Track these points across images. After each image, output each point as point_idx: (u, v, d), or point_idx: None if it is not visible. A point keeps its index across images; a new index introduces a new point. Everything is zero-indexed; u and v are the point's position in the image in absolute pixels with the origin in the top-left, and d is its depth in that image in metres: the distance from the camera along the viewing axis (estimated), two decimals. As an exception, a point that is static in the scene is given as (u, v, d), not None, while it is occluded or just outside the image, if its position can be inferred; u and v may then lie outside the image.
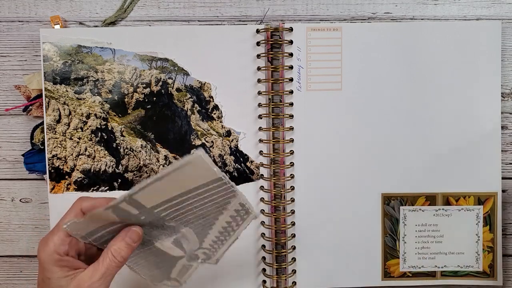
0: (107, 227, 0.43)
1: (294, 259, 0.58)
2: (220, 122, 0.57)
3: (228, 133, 0.58)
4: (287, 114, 0.57)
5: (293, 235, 0.58)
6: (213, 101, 0.57)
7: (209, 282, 0.58)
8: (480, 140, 0.57)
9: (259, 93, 0.57)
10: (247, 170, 0.58)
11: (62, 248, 0.43)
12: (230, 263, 0.58)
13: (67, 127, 0.56)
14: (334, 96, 0.57)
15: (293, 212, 0.58)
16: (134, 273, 0.48)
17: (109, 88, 0.57)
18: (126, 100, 0.57)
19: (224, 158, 0.58)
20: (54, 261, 0.42)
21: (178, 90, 0.57)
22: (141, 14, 0.58)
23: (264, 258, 0.58)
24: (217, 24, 0.58)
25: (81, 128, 0.57)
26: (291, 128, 0.57)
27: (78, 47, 0.56)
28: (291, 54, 0.56)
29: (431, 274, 0.59)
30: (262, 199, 0.58)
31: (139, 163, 0.57)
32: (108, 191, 0.57)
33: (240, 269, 0.58)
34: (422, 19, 0.58)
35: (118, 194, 0.57)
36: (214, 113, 0.57)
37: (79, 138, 0.57)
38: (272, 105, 0.57)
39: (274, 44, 0.57)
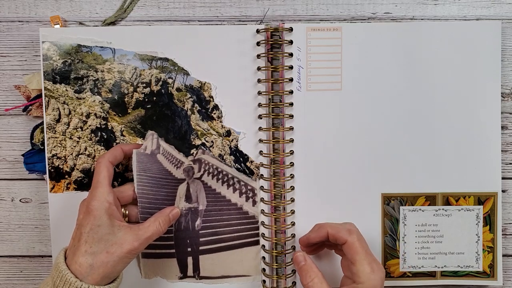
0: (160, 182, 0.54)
1: (294, 259, 0.58)
2: (220, 122, 0.57)
3: (228, 133, 0.58)
4: (287, 114, 0.57)
5: (293, 235, 0.58)
6: (213, 101, 0.57)
7: (209, 281, 0.58)
8: (480, 140, 0.57)
9: (259, 93, 0.57)
10: (247, 170, 0.58)
11: (111, 197, 0.48)
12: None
13: (67, 126, 0.56)
14: (334, 96, 0.57)
15: (293, 212, 0.58)
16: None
17: (109, 88, 0.57)
18: (126, 99, 0.57)
19: (224, 158, 0.57)
20: (105, 209, 0.47)
21: (178, 89, 0.57)
22: (141, 14, 0.58)
23: (263, 258, 0.58)
24: (217, 24, 0.58)
25: (81, 128, 0.57)
26: (291, 128, 0.57)
27: (78, 46, 0.56)
28: (291, 54, 0.56)
29: (431, 274, 0.59)
30: (262, 199, 0.58)
31: (139, 163, 0.57)
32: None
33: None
34: (422, 19, 0.58)
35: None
36: (214, 113, 0.57)
37: (79, 138, 0.57)
38: (272, 105, 0.57)
39: (274, 44, 0.57)
